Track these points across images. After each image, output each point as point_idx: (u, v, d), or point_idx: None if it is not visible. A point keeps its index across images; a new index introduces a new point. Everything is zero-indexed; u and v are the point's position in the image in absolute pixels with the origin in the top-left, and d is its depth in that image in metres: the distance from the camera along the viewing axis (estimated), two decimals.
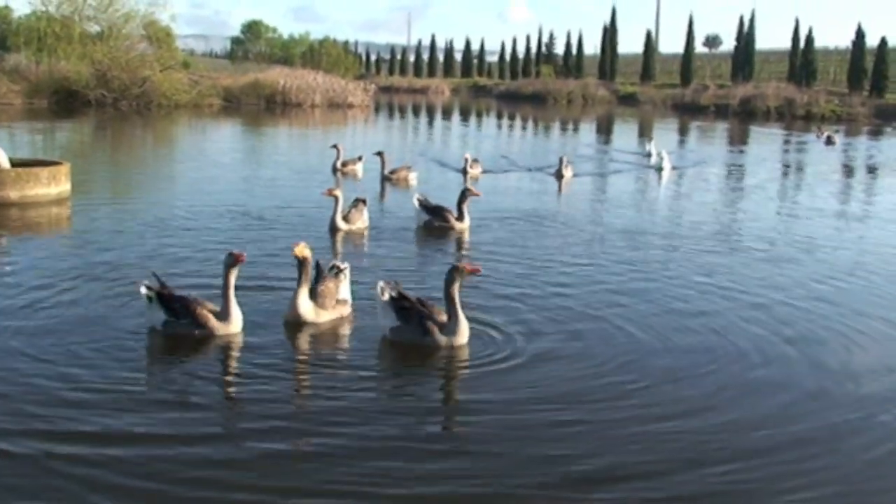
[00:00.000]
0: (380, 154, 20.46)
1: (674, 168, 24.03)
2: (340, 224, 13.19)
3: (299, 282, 8.24)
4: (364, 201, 13.83)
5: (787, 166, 28.04)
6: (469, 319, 8.06)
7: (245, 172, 21.50)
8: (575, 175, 21.72)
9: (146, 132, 35.30)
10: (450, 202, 14.10)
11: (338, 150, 21.29)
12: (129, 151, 28.06)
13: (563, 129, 47.24)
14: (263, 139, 33.43)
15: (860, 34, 66.48)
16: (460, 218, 13.64)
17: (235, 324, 7.96)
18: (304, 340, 8.09)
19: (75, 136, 31.84)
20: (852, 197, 21.02)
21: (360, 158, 21.46)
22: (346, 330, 8.45)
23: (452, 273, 7.80)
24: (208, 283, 9.24)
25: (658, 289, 10.38)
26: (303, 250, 8.09)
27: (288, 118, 44.81)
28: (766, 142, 39.13)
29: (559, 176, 21.30)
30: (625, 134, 43.60)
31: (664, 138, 32.37)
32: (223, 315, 7.92)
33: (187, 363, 7.43)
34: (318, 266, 8.87)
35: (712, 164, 26.76)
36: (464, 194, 13.79)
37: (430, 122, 50.47)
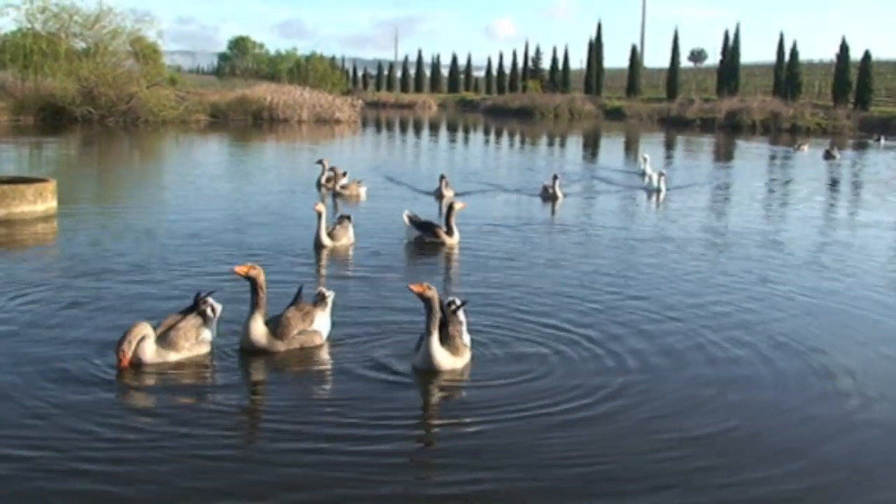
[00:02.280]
0: (332, 170, 20.40)
1: (668, 189, 22.08)
2: (325, 240, 13.05)
3: (253, 306, 7.78)
4: (349, 217, 13.75)
5: (798, 182, 26.72)
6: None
7: (231, 189, 21.41)
8: (566, 195, 20.21)
9: (133, 148, 35.19)
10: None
11: (323, 166, 21.23)
12: (116, 168, 27.94)
13: (550, 144, 47.27)
14: (250, 155, 33.35)
15: (844, 48, 67.08)
16: (450, 233, 13.59)
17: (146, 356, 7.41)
18: (251, 380, 7.46)
19: (62, 152, 31.68)
20: (882, 209, 20.39)
21: (344, 174, 21.18)
22: (303, 365, 7.70)
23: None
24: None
25: (743, 308, 9.92)
26: (248, 270, 7.69)
27: (275, 134, 44.75)
28: (756, 157, 38.83)
29: (552, 197, 19.73)
30: (613, 150, 43.51)
31: (654, 155, 31.49)
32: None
33: (98, 425, 6.22)
34: (299, 291, 8.43)
35: (714, 182, 25.66)
36: (451, 209, 13.73)
37: (417, 138, 50.44)
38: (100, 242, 13.24)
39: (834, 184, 26.98)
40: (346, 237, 13.41)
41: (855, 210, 20.61)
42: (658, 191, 21.70)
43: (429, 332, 7.29)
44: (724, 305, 10.07)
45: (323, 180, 21.00)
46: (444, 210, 13.91)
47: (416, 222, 13.80)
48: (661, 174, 22.28)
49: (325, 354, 8.00)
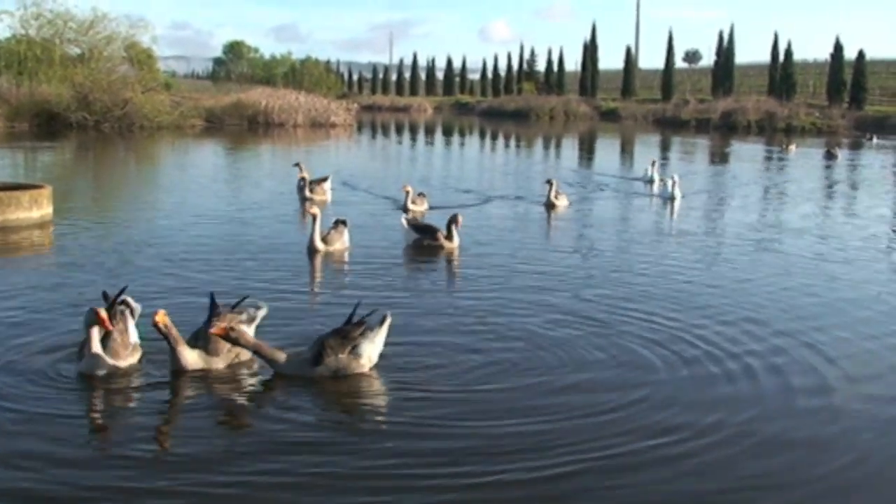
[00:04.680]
0: (302, 178, 20.35)
1: (684, 197, 20.58)
2: (319, 245, 12.96)
3: (172, 341, 7.30)
4: (344, 222, 13.67)
5: (815, 183, 26.04)
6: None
7: (227, 194, 21.40)
8: (570, 203, 19.11)
9: (128, 154, 35.14)
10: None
11: (300, 170, 21.14)
12: (112, 174, 27.90)
13: (546, 147, 47.19)
14: (246, 160, 33.32)
15: (838, 47, 67.26)
16: (449, 237, 13.53)
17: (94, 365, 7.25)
18: (178, 400, 7.03)
19: (57, 158, 31.65)
20: None
21: (325, 179, 20.54)
22: (228, 384, 7.33)
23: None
24: (191, 306, 9.11)
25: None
26: (164, 318, 7.19)
27: (271, 138, 44.72)
28: (750, 158, 38.52)
29: (550, 205, 18.61)
30: (612, 153, 43.40)
31: (650, 158, 30.79)
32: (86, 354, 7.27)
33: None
34: (212, 300, 8.03)
35: (724, 186, 24.63)
36: (454, 218, 13.59)
37: (413, 141, 50.43)
38: (95, 249, 13.19)
39: (855, 184, 26.80)
40: (341, 241, 13.35)
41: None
42: (672, 198, 20.14)
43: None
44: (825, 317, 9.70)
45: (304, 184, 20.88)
46: (447, 219, 13.69)
47: (414, 226, 13.77)
48: (672, 179, 20.66)
49: (240, 369, 7.61)
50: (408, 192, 17.78)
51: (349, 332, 7.49)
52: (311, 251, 12.97)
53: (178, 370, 7.42)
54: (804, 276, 11.93)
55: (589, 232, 16.02)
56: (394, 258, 13.08)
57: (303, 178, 19.94)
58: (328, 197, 19.74)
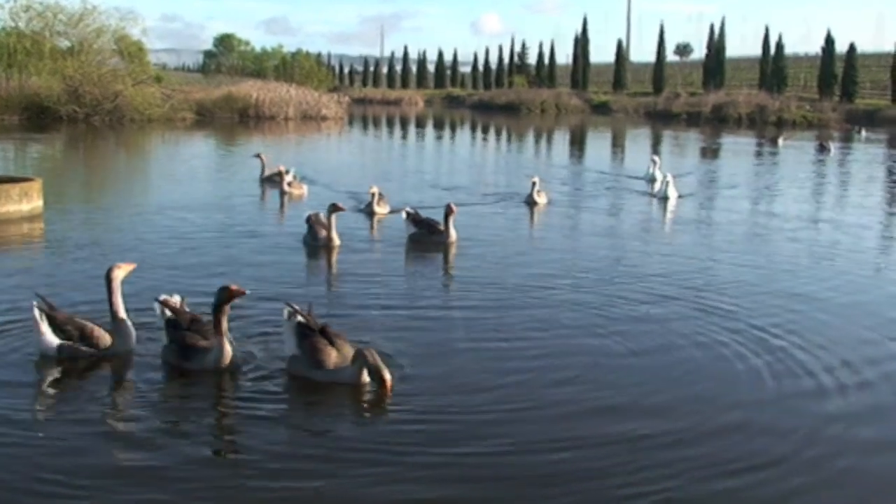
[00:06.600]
0: (269, 169, 20.61)
1: (681, 196, 19.49)
2: (337, 241, 12.89)
3: (219, 326, 7.16)
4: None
5: (812, 179, 25.55)
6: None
7: (221, 188, 21.34)
8: (550, 202, 18.38)
9: (119, 147, 35.02)
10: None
11: (262, 161, 21.25)
12: (102, 167, 27.79)
13: (537, 141, 47.07)
14: (236, 153, 33.19)
15: (829, 41, 67.41)
16: (447, 232, 13.46)
17: (129, 339, 7.64)
18: (201, 397, 6.87)
19: (47, 151, 31.49)
20: None
21: (287, 171, 19.81)
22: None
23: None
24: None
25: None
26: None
27: (261, 131, 44.55)
28: (750, 152, 38.05)
29: (531, 203, 18.01)
30: (605, 148, 43.32)
31: (643, 153, 29.76)
32: (116, 332, 7.63)
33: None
34: (170, 307, 7.91)
35: (727, 184, 23.33)
36: (449, 208, 13.57)
37: (403, 134, 50.35)
38: (85, 242, 13.15)
39: (862, 176, 26.64)
40: (337, 236, 13.32)
41: None
42: (666, 198, 19.16)
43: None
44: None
45: (266, 174, 20.85)
46: (444, 210, 13.62)
47: (415, 219, 13.76)
48: (668, 178, 19.66)
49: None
50: (373, 195, 16.50)
51: (328, 329, 7.31)
52: (328, 247, 12.83)
53: (217, 368, 7.20)
54: (874, 276, 11.44)
55: (592, 232, 15.58)
56: (393, 254, 13.07)
57: (279, 173, 19.55)
58: (305, 191, 19.57)
